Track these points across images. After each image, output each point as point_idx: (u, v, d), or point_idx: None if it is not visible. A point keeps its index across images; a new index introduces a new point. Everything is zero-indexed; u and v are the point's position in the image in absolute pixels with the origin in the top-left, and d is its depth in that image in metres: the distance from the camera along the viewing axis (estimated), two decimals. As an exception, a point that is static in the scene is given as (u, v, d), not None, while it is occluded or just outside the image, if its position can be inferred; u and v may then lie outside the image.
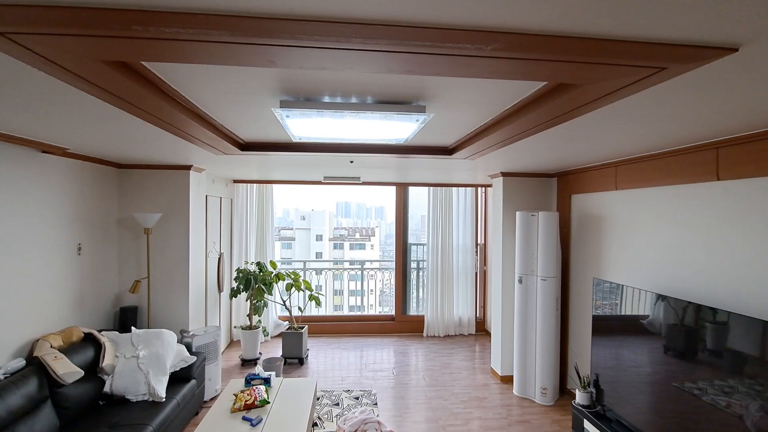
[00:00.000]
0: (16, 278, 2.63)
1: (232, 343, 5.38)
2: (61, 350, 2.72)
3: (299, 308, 5.13)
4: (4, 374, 2.40)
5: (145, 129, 2.24)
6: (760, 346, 1.85)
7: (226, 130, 2.45)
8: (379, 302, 6.68)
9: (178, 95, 1.74)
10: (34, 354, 2.59)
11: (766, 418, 1.81)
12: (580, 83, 1.37)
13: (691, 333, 2.24)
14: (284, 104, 1.73)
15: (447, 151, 3.00)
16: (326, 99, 1.76)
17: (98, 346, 2.97)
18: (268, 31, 0.99)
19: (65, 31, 1.01)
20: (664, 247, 2.75)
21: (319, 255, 34.06)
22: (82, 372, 2.65)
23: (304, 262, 6.56)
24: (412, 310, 6.20)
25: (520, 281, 3.86)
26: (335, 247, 36.37)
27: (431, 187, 5.77)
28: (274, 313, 5.65)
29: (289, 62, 1.20)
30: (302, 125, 2.14)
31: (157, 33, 0.99)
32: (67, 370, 2.56)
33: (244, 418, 2.59)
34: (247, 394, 2.78)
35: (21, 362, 2.53)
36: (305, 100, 1.74)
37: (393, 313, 6.05)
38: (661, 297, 2.44)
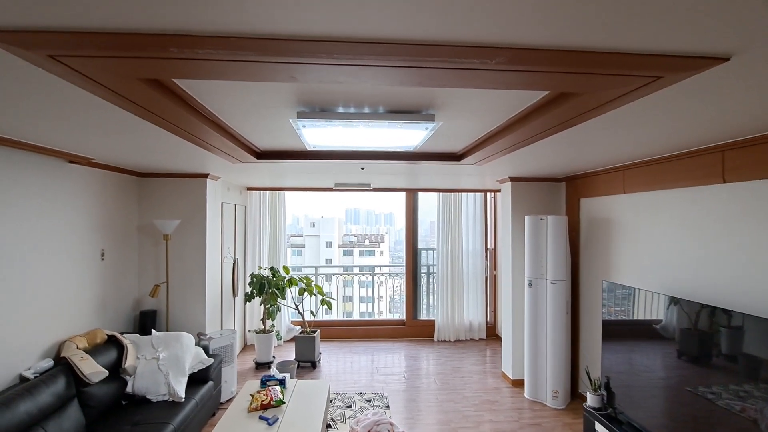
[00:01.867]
0: (45, 282, 2.77)
1: (246, 347, 5.48)
2: (86, 351, 2.83)
3: (312, 312, 5.21)
4: (34, 374, 2.52)
5: (168, 139, 2.37)
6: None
7: (243, 139, 2.56)
8: (389, 309, 6.69)
9: (201, 107, 1.85)
10: (62, 354, 2.71)
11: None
12: (580, 92, 1.44)
13: (704, 336, 2.25)
14: (301, 115, 1.83)
15: (455, 157, 3.08)
16: (340, 109, 1.86)
17: (120, 348, 3.09)
18: (291, 51, 1.09)
19: (108, 53, 1.12)
20: (672, 249, 2.78)
21: (328, 261, 34.15)
22: (107, 372, 2.76)
23: (316, 268, 6.66)
24: (423, 315, 6.24)
25: (530, 285, 3.90)
26: (345, 253, 36.46)
27: (440, 193, 5.83)
28: (286, 318, 5.75)
29: (309, 77, 1.29)
30: (317, 134, 2.24)
31: (191, 54, 1.09)
32: (93, 370, 2.68)
33: (261, 418, 2.67)
34: (264, 395, 2.87)
35: (49, 362, 2.66)
36: (320, 110, 1.84)
37: (404, 317, 6.11)
38: (673, 300, 2.46)
